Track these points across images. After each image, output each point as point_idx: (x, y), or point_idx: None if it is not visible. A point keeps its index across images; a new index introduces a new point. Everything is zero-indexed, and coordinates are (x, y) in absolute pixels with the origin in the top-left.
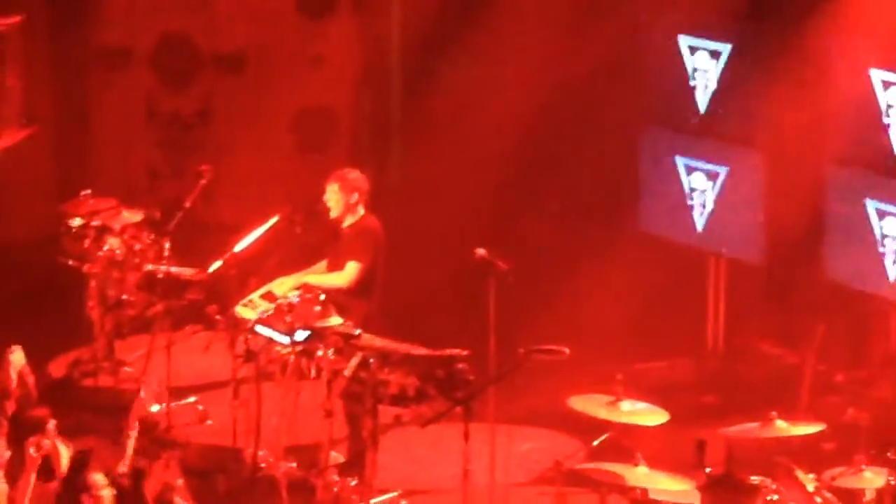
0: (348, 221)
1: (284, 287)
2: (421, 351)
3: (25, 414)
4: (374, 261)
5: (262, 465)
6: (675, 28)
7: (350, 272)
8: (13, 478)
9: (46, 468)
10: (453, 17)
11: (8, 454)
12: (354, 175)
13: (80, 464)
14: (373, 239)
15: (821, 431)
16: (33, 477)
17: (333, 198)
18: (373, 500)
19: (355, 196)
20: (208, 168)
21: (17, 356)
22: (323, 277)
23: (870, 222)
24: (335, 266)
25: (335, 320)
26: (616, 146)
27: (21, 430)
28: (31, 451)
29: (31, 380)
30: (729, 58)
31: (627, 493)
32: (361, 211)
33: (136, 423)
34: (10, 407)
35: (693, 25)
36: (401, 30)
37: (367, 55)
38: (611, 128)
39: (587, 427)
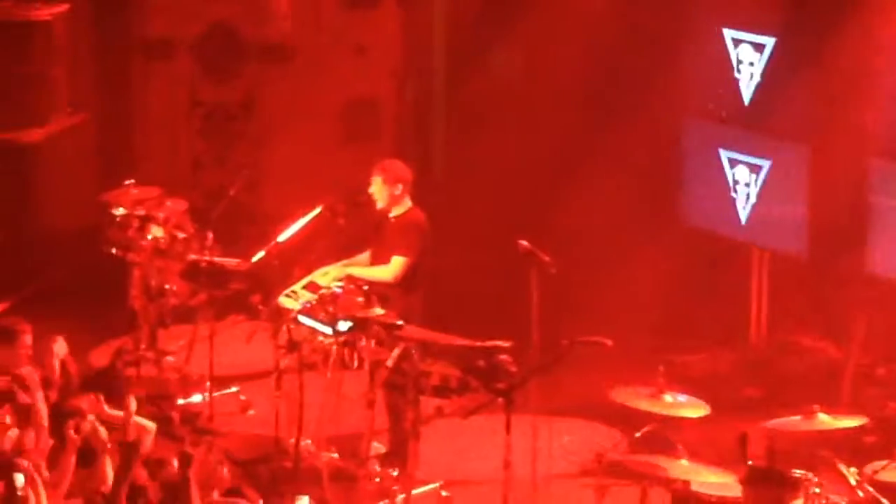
0: (394, 212)
1: (327, 277)
2: (463, 342)
3: (67, 402)
4: (419, 255)
5: (304, 455)
6: (719, 21)
7: (395, 266)
8: (55, 465)
9: (86, 452)
10: (497, 5)
11: (50, 443)
12: (398, 166)
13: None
14: (419, 233)
15: (863, 425)
16: (73, 460)
17: (378, 189)
18: (414, 491)
19: (399, 187)
20: (252, 158)
21: (60, 345)
22: (368, 270)
23: None
24: (379, 257)
25: (378, 311)
26: (660, 138)
27: (63, 419)
28: (71, 433)
29: (73, 369)
30: (773, 51)
31: (669, 486)
32: (408, 202)
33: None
34: (52, 396)
35: (738, 18)
36: (444, 19)
37: (411, 45)
38: (655, 120)
39: (629, 419)
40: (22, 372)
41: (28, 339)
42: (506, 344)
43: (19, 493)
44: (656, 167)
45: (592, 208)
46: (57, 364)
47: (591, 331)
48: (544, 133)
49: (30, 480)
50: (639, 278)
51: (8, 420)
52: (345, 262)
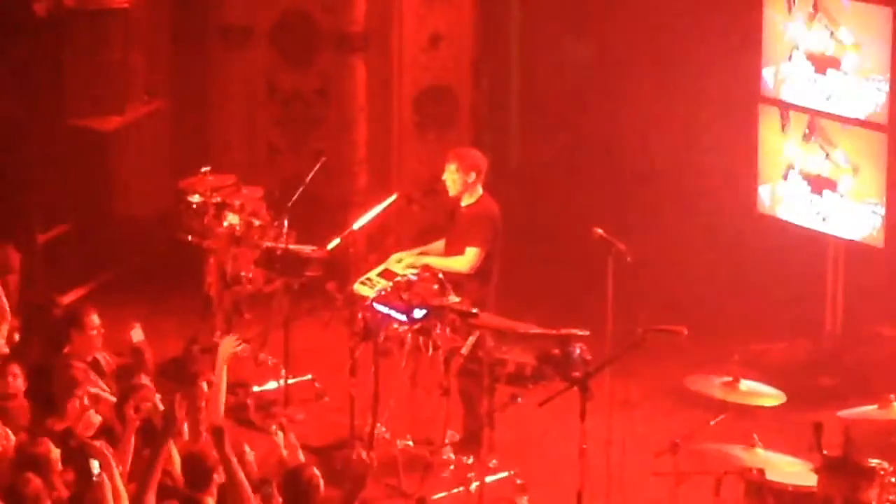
0: (466, 201)
1: (402, 265)
2: (538, 330)
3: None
4: (493, 245)
5: (379, 442)
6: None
7: (470, 257)
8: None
9: (148, 431)
10: None
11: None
12: (472, 154)
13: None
14: (491, 223)
15: None
16: (132, 441)
17: (451, 177)
18: (488, 479)
19: (473, 175)
20: (328, 146)
21: (137, 332)
22: (443, 260)
23: None
24: (453, 246)
25: (453, 298)
26: (735, 126)
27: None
28: (131, 412)
29: (149, 356)
30: None
31: (743, 475)
32: (480, 190)
33: None
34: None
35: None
36: (520, 7)
37: (487, 33)
38: (729, 108)
39: (704, 407)
40: (96, 357)
41: (95, 323)
42: (581, 332)
43: (95, 478)
44: (731, 155)
45: (667, 197)
46: (134, 351)
47: (666, 319)
48: (619, 121)
49: (105, 466)
50: (714, 267)
51: (86, 402)
52: (420, 249)
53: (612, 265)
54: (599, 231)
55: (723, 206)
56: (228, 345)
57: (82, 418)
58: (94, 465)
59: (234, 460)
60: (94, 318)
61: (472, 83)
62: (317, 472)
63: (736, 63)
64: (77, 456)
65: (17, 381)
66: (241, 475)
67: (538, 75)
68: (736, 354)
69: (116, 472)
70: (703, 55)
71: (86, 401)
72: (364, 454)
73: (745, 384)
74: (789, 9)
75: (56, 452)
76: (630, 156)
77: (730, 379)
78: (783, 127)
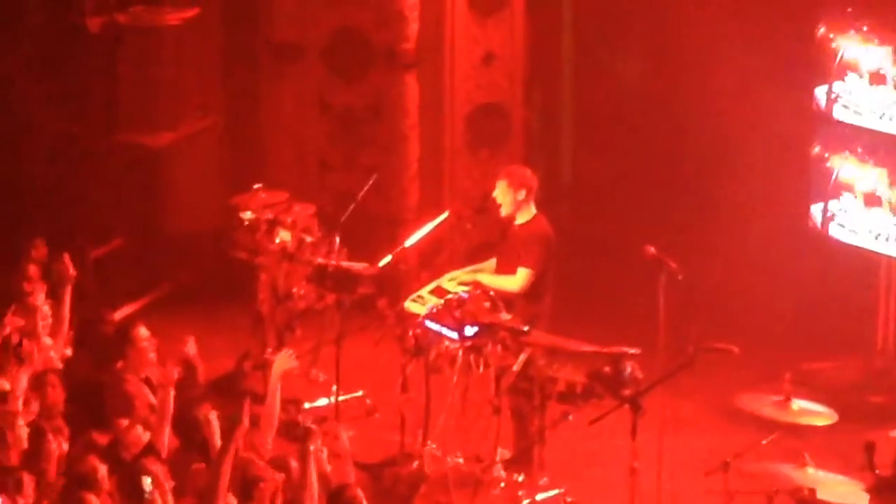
0: (520, 220)
1: (454, 283)
2: (589, 348)
3: (191, 404)
4: (546, 266)
5: (430, 459)
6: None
7: (521, 278)
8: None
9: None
10: (624, 10)
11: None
12: (522, 172)
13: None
14: (545, 245)
15: None
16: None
17: (502, 195)
18: (539, 496)
19: (523, 192)
20: (380, 162)
21: (191, 346)
22: (495, 279)
23: None
24: (505, 264)
25: (504, 316)
26: (788, 145)
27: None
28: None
29: (200, 370)
30: None
31: (795, 494)
32: (533, 209)
33: None
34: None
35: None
36: (572, 25)
37: (539, 51)
38: (783, 127)
39: (755, 426)
40: (149, 373)
41: (144, 335)
42: (632, 350)
43: (146, 496)
44: (783, 173)
45: (719, 215)
46: (186, 366)
47: (717, 338)
48: (672, 138)
49: (157, 483)
50: (766, 285)
51: (139, 429)
52: (472, 267)
53: (663, 283)
54: (651, 249)
55: (775, 224)
56: (283, 360)
57: (131, 434)
58: (146, 483)
59: (313, 469)
60: (143, 331)
61: (524, 101)
62: (360, 492)
63: (788, 80)
64: (125, 472)
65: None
66: (314, 483)
67: (590, 93)
68: (787, 373)
69: (168, 491)
70: (755, 72)
71: (140, 430)
72: (414, 472)
73: (797, 403)
74: (844, 27)
75: (103, 469)
76: (681, 173)
77: (781, 398)
78: (836, 145)
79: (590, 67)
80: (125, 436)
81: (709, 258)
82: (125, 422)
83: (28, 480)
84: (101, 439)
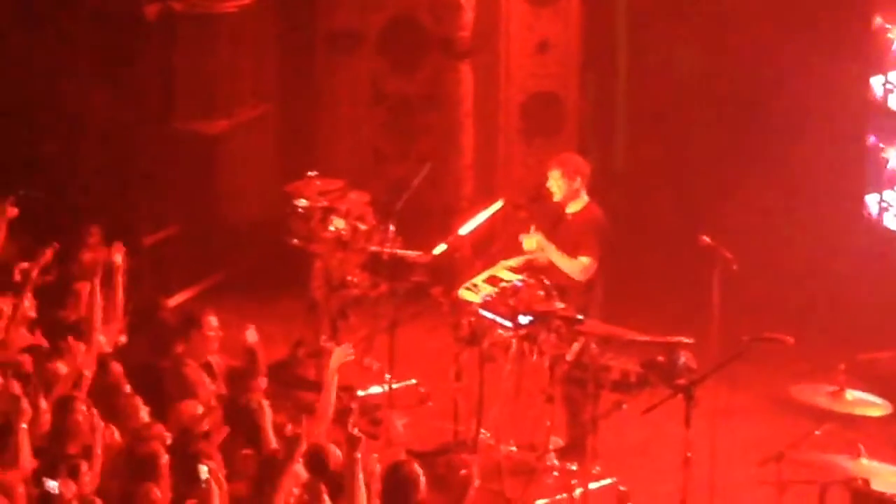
0: (572, 208)
1: (508, 271)
2: (643, 337)
3: (244, 393)
4: (602, 253)
5: (483, 447)
6: None
7: (584, 265)
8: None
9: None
10: None
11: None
12: (575, 160)
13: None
14: (602, 232)
15: None
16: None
17: (556, 183)
18: (591, 485)
19: (578, 181)
20: (434, 151)
21: (251, 334)
22: (564, 258)
23: None
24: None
25: (558, 305)
26: (843, 136)
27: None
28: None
29: (261, 358)
30: None
31: (849, 484)
32: (585, 197)
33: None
34: (234, 385)
35: None
36: (626, 13)
37: (593, 40)
38: (838, 117)
39: (809, 416)
40: (210, 360)
41: (213, 325)
42: (686, 340)
43: (203, 485)
44: (838, 164)
45: (774, 203)
46: (248, 353)
47: (772, 328)
48: (728, 127)
49: (213, 472)
50: (821, 275)
51: (200, 410)
52: (526, 256)
53: (718, 273)
54: (706, 239)
55: (830, 214)
56: (341, 353)
57: (190, 419)
58: (203, 471)
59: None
60: (213, 320)
61: (578, 89)
62: (419, 469)
63: (844, 70)
64: (181, 458)
65: (126, 385)
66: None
67: (644, 80)
68: (842, 364)
69: (223, 478)
70: (809, 60)
71: (199, 408)
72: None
73: (851, 394)
74: None
75: (164, 455)
76: (736, 161)
77: (836, 388)
78: (891, 135)
79: (644, 55)
80: (184, 421)
81: (763, 247)
82: (185, 406)
83: (85, 467)
84: (156, 425)
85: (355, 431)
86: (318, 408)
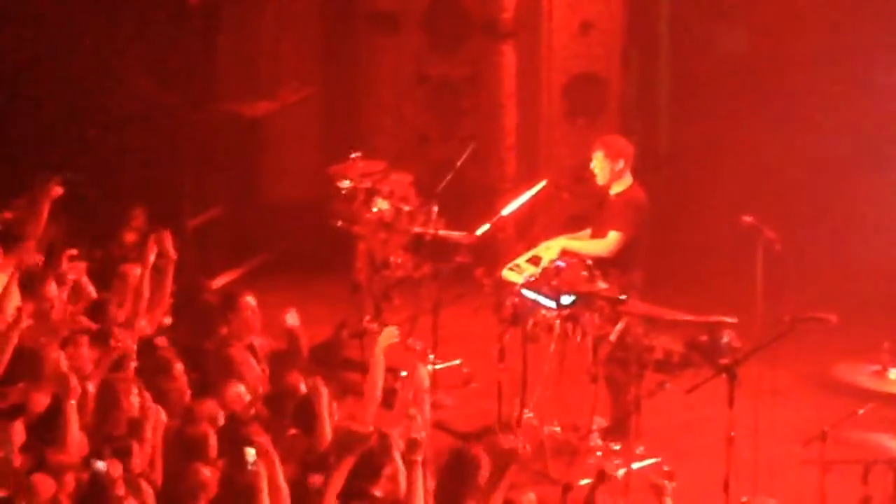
0: (615, 189)
1: (550, 251)
2: (686, 317)
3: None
4: (637, 232)
5: (526, 428)
6: None
7: (611, 241)
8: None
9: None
10: None
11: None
12: (619, 141)
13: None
14: (638, 211)
15: None
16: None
17: (599, 165)
18: (635, 465)
19: (621, 162)
20: (477, 132)
21: (292, 316)
22: (583, 243)
23: None
24: (598, 232)
25: (601, 285)
26: (887, 109)
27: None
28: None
29: (303, 340)
30: None
31: (892, 464)
32: (629, 178)
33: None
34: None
35: None
36: None
37: (636, 21)
38: (882, 93)
39: (852, 396)
40: (253, 342)
41: (251, 305)
42: (730, 319)
43: (250, 467)
44: (886, 137)
45: (818, 183)
46: (289, 336)
47: (815, 307)
48: (771, 107)
49: (262, 454)
50: (864, 254)
51: (243, 390)
52: (567, 236)
53: (761, 252)
54: (749, 218)
55: (875, 192)
56: (388, 335)
57: (238, 402)
58: (250, 454)
59: (420, 480)
60: (250, 300)
61: (621, 70)
62: (483, 453)
63: (891, 47)
64: (230, 439)
65: (177, 365)
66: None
67: (688, 62)
68: (886, 343)
69: (277, 463)
70: (854, 39)
71: (241, 388)
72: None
73: (895, 373)
74: None
75: (213, 436)
76: (779, 140)
77: (879, 367)
78: None
79: (687, 36)
80: (232, 402)
81: (807, 226)
82: (232, 387)
83: (136, 448)
84: (205, 406)
85: (420, 436)
86: (364, 390)
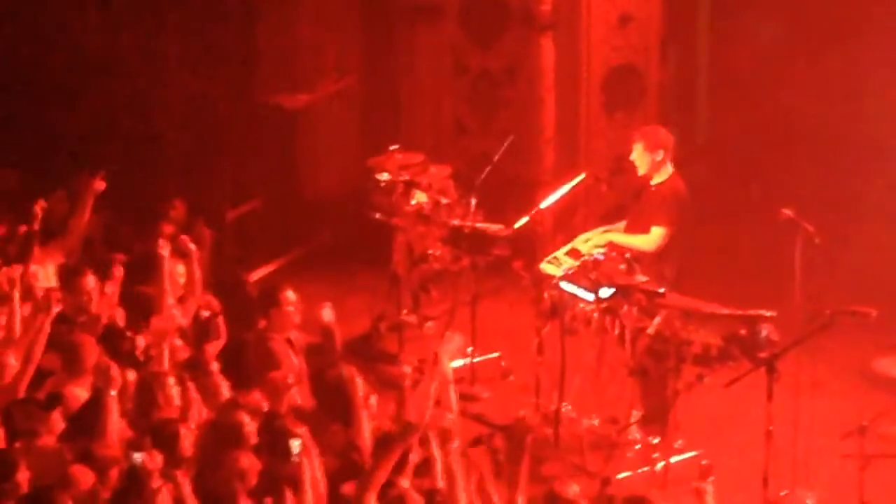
0: (656, 180)
1: (588, 244)
2: (725, 310)
3: (329, 371)
4: (679, 225)
5: (565, 421)
6: None
7: (656, 236)
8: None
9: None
10: None
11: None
12: (659, 132)
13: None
14: (678, 203)
15: None
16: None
17: (639, 156)
18: (673, 459)
19: (660, 153)
20: (516, 125)
21: (327, 312)
22: (628, 238)
23: None
24: (636, 224)
25: (640, 278)
26: None
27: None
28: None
29: (337, 336)
30: None
31: None
32: (669, 169)
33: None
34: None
35: None
36: None
37: (674, 13)
38: None
39: (892, 390)
40: (290, 336)
41: (291, 299)
42: (769, 313)
43: (294, 459)
44: None
45: (858, 176)
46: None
47: (855, 300)
48: (809, 100)
49: (304, 448)
50: None
51: (290, 380)
52: (604, 228)
53: (800, 245)
54: (788, 212)
55: None
56: (455, 344)
57: (283, 393)
58: (295, 446)
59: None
60: (290, 295)
61: (659, 62)
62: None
63: None
64: (271, 432)
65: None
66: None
67: (726, 54)
68: None
69: (315, 456)
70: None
71: (290, 379)
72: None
73: None
74: None
75: (252, 426)
76: (818, 133)
77: None
78: None
79: (725, 28)
80: (275, 392)
81: (847, 220)
82: (274, 377)
83: (184, 434)
84: (242, 397)
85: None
86: (418, 390)
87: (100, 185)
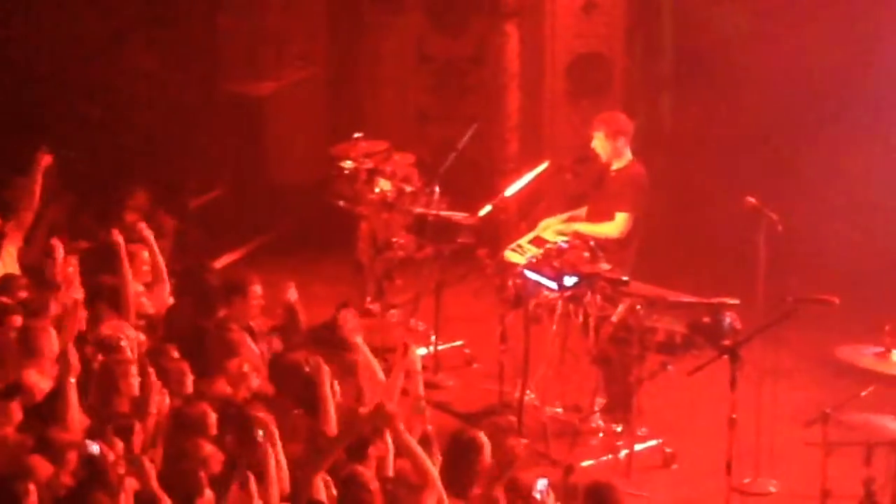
0: (616, 165)
1: (551, 231)
2: (689, 299)
3: (288, 355)
4: (642, 209)
5: (528, 409)
6: None
7: (620, 223)
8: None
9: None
10: None
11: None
12: (618, 118)
13: None
14: (640, 188)
15: None
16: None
17: (600, 143)
18: (637, 447)
19: (621, 140)
20: (480, 112)
21: (292, 292)
22: (593, 227)
23: None
24: (597, 210)
25: (603, 266)
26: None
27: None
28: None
29: (302, 316)
30: None
31: (895, 446)
32: (629, 154)
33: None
34: (277, 344)
35: None
36: None
37: (640, 1)
38: (886, 75)
39: (855, 378)
40: (252, 325)
41: (258, 291)
42: (732, 301)
43: (259, 440)
44: (889, 119)
45: (820, 165)
46: (288, 311)
47: (818, 288)
48: (773, 89)
49: (268, 434)
50: (867, 236)
51: (246, 368)
52: (567, 215)
53: (763, 234)
54: (752, 200)
55: (877, 175)
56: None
57: (242, 381)
58: (260, 435)
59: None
60: (258, 289)
61: (624, 50)
62: (483, 436)
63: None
64: (234, 419)
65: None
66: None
67: (691, 41)
68: (888, 325)
69: (278, 441)
70: (864, 17)
71: (245, 367)
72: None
73: None
74: None
75: (213, 415)
76: (782, 121)
77: (881, 349)
78: None
79: (690, 16)
80: (233, 381)
81: (809, 208)
82: (232, 365)
83: (138, 427)
84: (205, 386)
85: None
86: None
87: (46, 159)
